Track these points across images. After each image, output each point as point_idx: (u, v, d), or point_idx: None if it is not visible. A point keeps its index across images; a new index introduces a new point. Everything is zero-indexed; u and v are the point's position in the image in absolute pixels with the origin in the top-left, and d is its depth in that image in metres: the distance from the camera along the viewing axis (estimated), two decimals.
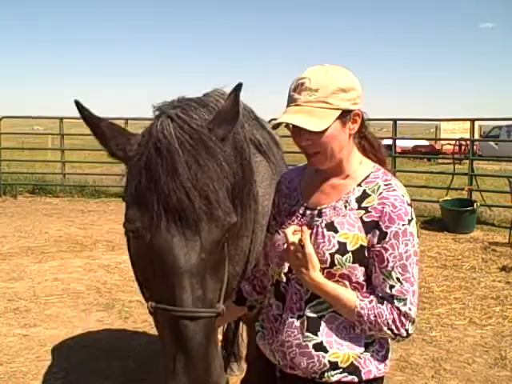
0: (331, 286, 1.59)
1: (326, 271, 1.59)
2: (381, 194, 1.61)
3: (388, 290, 1.57)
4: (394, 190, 1.62)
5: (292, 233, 1.61)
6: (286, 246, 1.63)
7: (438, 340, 4.42)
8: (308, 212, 1.71)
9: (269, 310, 1.79)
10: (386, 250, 1.57)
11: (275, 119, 1.65)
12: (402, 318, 1.56)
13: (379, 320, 1.56)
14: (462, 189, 9.99)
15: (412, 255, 1.59)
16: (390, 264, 1.57)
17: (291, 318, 1.67)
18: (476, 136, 14.81)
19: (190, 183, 1.39)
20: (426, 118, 14.07)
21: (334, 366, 1.63)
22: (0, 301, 5.25)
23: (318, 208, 1.69)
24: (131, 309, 5.07)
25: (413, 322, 1.59)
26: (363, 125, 1.72)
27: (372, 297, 1.59)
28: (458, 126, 16.85)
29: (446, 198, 9.33)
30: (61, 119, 12.35)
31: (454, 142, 16.67)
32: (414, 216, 1.62)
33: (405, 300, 1.57)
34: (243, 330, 3.52)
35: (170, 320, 1.37)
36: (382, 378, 1.71)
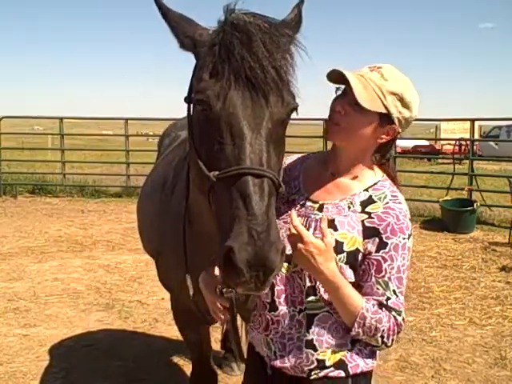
0: (343, 280, 1.55)
1: None
2: (387, 203, 1.62)
3: (384, 301, 1.57)
4: (400, 203, 1.64)
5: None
6: (292, 229, 1.52)
7: (437, 340, 4.42)
8: (308, 204, 1.69)
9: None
10: (385, 260, 1.58)
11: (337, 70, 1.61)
12: (395, 328, 1.58)
13: (378, 325, 1.55)
14: (462, 189, 9.99)
15: (406, 270, 1.62)
16: (387, 275, 1.58)
17: (293, 311, 1.65)
18: (476, 136, 14.82)
19: (263, 54, 1.43)
20: (426, 118, 13.98)
21: (321, 364, 1.63)
22: (0, 301, 5.25)
23: (320, 202, 1.67)
24: (131, 309, 5.07)
25: (398, 334, 1.61)
26: (389, 147, 1.73)
27: (373, 301, 1.58)
28: (458, 126, 16.87)
29: (446, 198, 9.33)
30: (61, 119, 12.38)
31: (454, 142, 16.68)
32: (412, 232, 1.64)
33: (400, 312, 1.59)
34: (243, 329, 3.51)
35: (235, 182, 1.36)
36: (370, 373, 1.70)
